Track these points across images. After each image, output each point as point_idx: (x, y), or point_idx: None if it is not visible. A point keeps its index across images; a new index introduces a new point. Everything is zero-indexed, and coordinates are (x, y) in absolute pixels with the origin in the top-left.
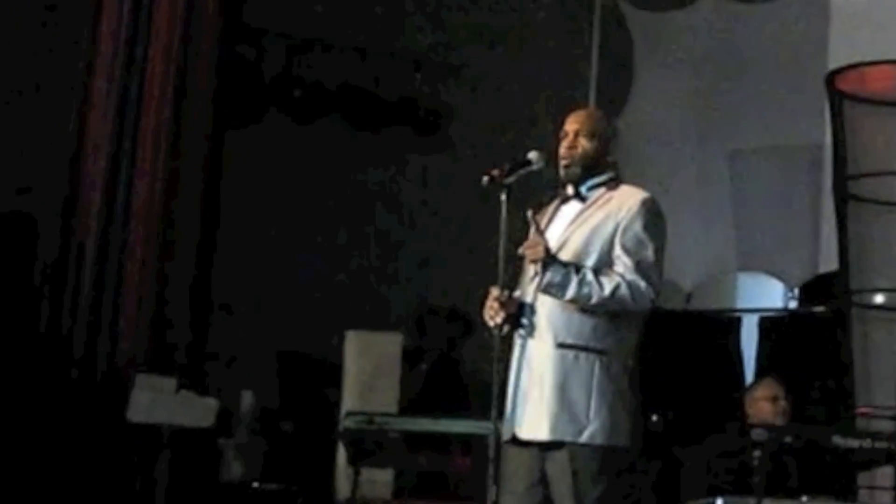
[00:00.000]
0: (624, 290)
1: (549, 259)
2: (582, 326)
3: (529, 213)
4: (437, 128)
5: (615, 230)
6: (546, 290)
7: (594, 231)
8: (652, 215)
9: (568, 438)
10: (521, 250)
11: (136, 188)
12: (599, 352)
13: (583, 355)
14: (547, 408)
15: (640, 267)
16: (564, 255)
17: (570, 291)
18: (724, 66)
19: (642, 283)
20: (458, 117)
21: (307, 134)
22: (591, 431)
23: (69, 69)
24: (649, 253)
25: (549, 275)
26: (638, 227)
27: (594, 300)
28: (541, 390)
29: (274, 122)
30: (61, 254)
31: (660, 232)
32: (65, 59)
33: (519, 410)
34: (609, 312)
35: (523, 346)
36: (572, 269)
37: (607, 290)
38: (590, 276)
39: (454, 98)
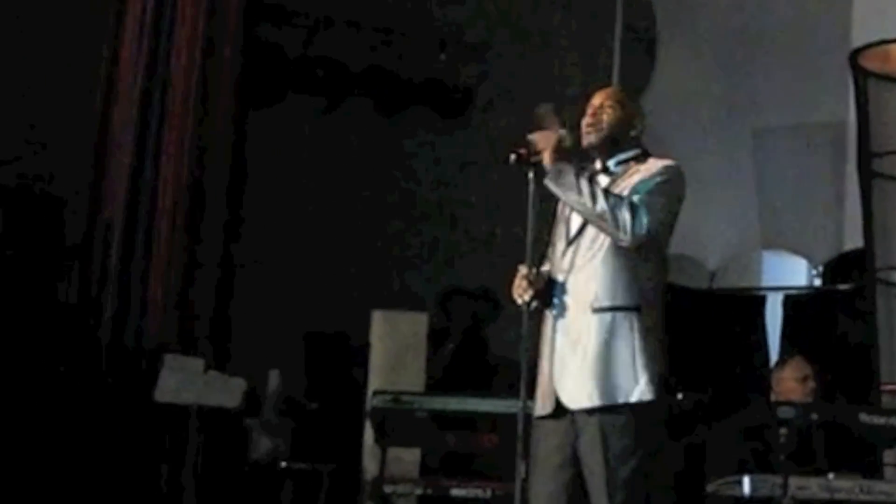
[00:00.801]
0: (625, 207)
1: (560, 151)
2: (615, 287)
3: (541, 110)
4: (462, 107)
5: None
6: (553, 182)
7: None
8: (672, 175)
9: (620, 400)
10: (530, 137)
11: (161, 169)
12: (634, 309)
13: (619, 315)
14: (595, 373)
15: (643, 199)
16: (588, 232)
17: (572, 190)
18: (748, 44)
19: (643, 210)
20: (483, 96)
21: (331, 114)
22: (641, 388)
23: (95, 51)
24: (656, 193)
25: (557, 167)
26: (655, 180)
27: (596, 208)
28: (584, 358)
29: (297, 102)
30: (88, 235)
31: (675, 188)
32: (91, 40)
33: (562, 382)
34: (636, 268)
35: (555, 323)
36: (582, 171)
37: (609, 201)
38: (596, 185)
39: (479, 77)
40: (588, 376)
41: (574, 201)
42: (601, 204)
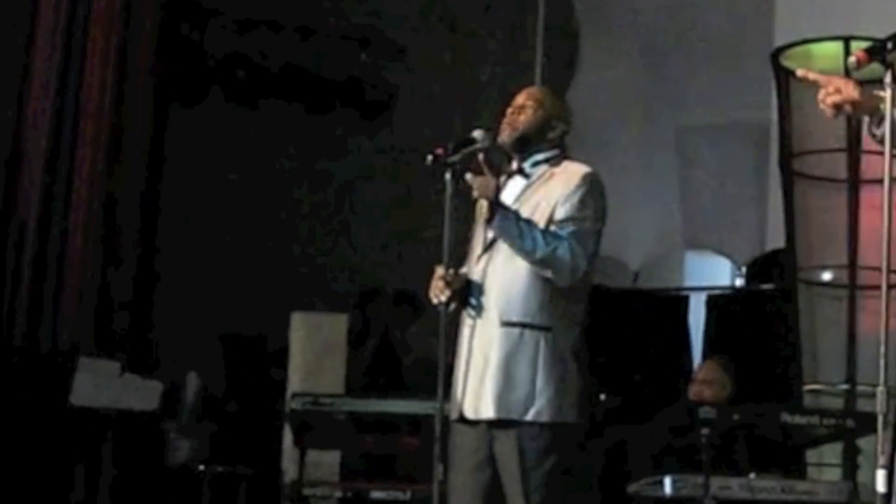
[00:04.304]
0: (565, 250)
1: (497, 200)
2: (527, 304)
3: (481, 157)
4: (382, 107)
5: (555, 206)
6: (495, 229)
7: (534, 211)
8: (592, 188)
9: (514, 416)
10: (469, 180)
11: (77, 169)
12: (545, 328)
13: (528, 332)
14: (492, 386)
15: (577, 234)
16: None
17: (515, 239)
18: (671, 42)
19: (580, 249)
20: (403, 96)
21: (251, 115)
22: (536, 409)
23: (8, 53)
24: (587, 223)
25: (497, 217)
26: (576, 198)
27: (537, 254)
28: (486, 369)
29: (217, 103)
30: (1, 237)
31: (599, 205)
32: (2, 41)
33: (466, 389)
34: (554, 287)
35: (472, 326)
36: (520, 218)
37: (550, 246)
38: (536, 229)
39: (399, 77)
40: (489, 389)
41: (516, 247)
42: (541, 250)
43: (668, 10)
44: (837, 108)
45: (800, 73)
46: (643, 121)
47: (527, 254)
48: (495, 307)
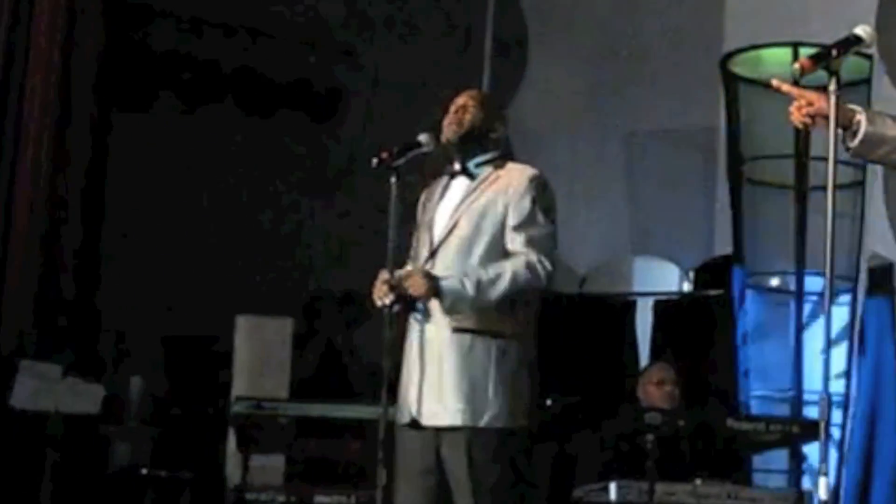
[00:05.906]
0: (523, 272)
1: (436, 286)
2: (477, 310)
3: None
4: (331, 110)
5: (505, 211)
6: (452, 312)
7: (483, 214)
8: (540, 190)
9: (468, 423)
10: (403, 282)
11: (19, 171)
12: (496, 335)
13: (479, 339)
14: (446, 393)
15: (532, 242)
16: (454, 240)
17: (474, 303)
18: (618, 49)
19: (535, 257)
20: (352, 100)
21: (197, 116)
22: (490, 415)
23: None
24: (541, 228)
25: (446, 301)
26: (527, 203)
27: (499, 296)
28: (439, 375)
29: (163, 105)
30: None
31: (549, 205)
32: None
33: (417, 395)
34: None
35: (421, 331)
36: (465, 283)
37: (507, 280)
38: (484, 277)
39: (348, 80)
40: (443, 396)
41: (486, 305)
42: (507, 289)
43: (615, 16)
44: (810, 121)
45: (774, 83)
46: (591, 125)
47: (492, 302)
48: (444, 313)
